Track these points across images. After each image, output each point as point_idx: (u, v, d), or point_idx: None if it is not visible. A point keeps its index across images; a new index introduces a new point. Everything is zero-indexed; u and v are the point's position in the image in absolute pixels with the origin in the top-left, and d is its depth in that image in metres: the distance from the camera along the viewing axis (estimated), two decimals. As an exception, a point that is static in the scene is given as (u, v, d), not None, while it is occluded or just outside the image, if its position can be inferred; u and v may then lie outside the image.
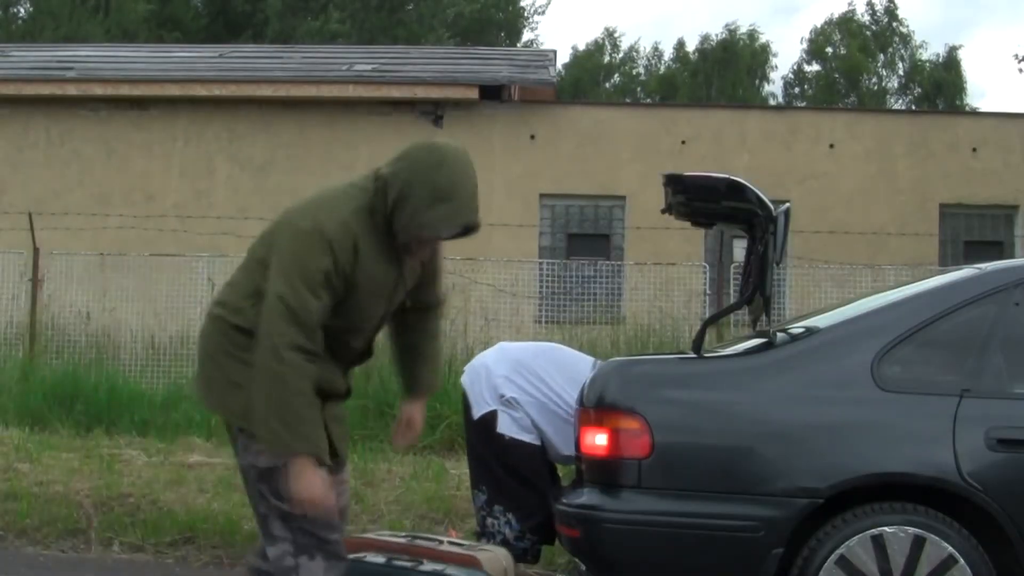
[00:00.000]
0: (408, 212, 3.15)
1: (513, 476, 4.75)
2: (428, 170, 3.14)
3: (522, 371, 4.85)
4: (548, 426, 4.76)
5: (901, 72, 45.20)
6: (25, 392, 9.03)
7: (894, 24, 45.60)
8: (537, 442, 4.76)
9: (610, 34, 48.84)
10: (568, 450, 4.64)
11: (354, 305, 3.22)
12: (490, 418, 4.77)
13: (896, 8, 45.35)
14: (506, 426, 4.75)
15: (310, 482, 3.09)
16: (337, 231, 3.12)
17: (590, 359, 4.91)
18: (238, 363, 3.18)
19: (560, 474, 5.09)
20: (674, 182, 4.38)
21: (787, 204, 4.42)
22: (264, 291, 3.13)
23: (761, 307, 4.43)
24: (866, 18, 45.80)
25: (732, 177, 4.28)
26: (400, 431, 3.58)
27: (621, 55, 48.88)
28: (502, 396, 4.78)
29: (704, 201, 4.43)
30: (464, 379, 4.97)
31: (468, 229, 3.25)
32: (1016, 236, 15.59)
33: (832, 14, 52.06)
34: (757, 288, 4.30)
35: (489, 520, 4.77)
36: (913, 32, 48.94)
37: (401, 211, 3.15)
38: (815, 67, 46.06)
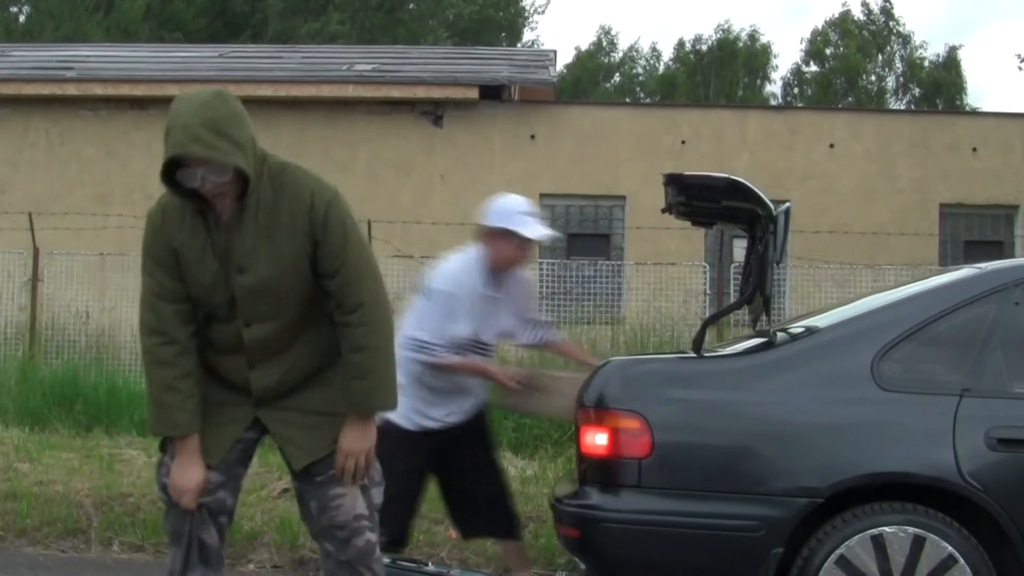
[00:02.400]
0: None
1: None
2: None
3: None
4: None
5: (900, 72, 45.23)
6: (25, 392, 9.03)
7: (891, 24, 45.64)
8: (403, 422, 4.44)
9: (606, 32, 48.87)
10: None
11: (191, 282, 3.21)
12: None
13: (892, 7, 45.40)
14: None
15: (182, 471, 3.25)
16: (152, 210, 3.24)
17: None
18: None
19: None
20: (674, 182, 4.38)
21: (787, 204, 4.42)
22: None
23: (761, 307, 4.43)
24: (863, 18, 45.85)
25: (732, 177, 4.28)
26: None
27: (620, 55, 48.94)
28: None
29: (704, 201, 4.43)
30: None
31: (186, 157, 3.00)
32: (1016, 236, 15.59)
33: (832, 14, 52.03)
34: (757, 288, 4.30)
35: None
36: (913, 32, 49.00)
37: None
38: (814, 68, 46.11)
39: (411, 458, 4.54)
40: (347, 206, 3.22)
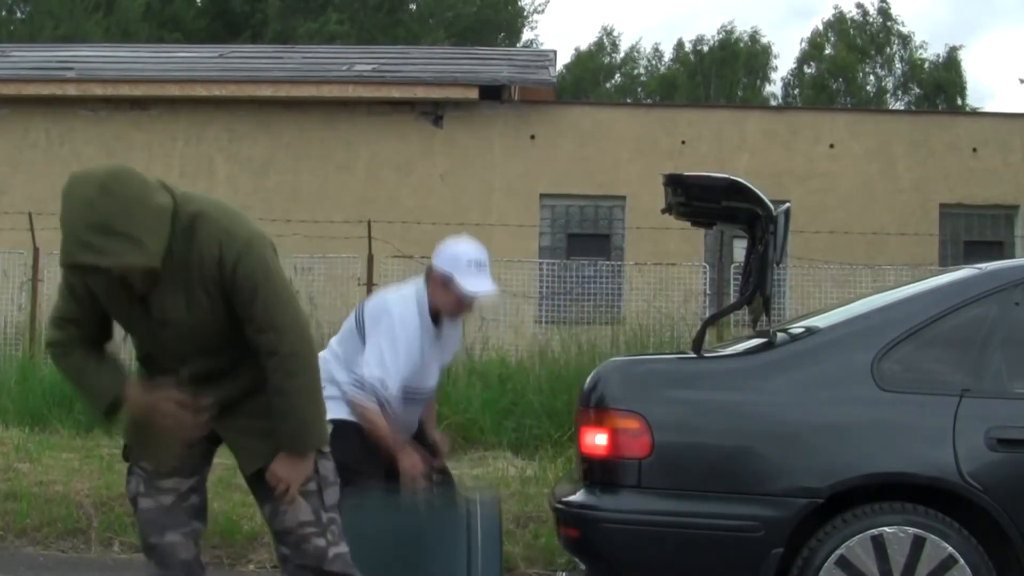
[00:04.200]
0: None
1: (346, 471, 4.02)
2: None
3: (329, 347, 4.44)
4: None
5: (899, 72, 45.26)
6: (25, 392, 9.03)
7: (888, 24, 45.68)
8: (349, 415, 4.25)
9: (608, 33, 48.90)
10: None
11: (119, 322, 3.23)
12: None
13: (889, 7, 45.46)
14: (331, 411, 4.08)
15: (139, 402, 3.21)
16: None
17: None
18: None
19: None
20: (674, 182, 4.38)
21: (787, 204, 4.42)
22: None
23: (761, 307, 4.43)
24: (860, 19, 45.91)
25: (732, 177, 4.28)
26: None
27: (622, 55, 48.97)
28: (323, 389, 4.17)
29: (704, 201, 4.43)
30: None
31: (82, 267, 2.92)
32: (1016, 236, 15.59)
33: (828, 16, 52.10)
34: (757, 288, 4.30)
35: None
36: (913, 32, 49.06)
37: None
38: (813, 69, 46.16)
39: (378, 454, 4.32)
40: (260, 253, 3.10)
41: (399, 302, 4.28)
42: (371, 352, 4.19)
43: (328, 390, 4.11)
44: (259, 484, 3.30)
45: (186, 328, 3.15)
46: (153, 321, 3.16)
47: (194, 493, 3.34)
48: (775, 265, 4.20)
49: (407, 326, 4.20)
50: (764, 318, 4.50)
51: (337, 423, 4.23)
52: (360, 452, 4.23)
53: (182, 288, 3.09)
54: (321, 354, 4.15)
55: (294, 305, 3.18)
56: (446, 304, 4.27)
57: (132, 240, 2.89)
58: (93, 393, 3.25)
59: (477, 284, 4.22)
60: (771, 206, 4.18)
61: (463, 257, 4.24)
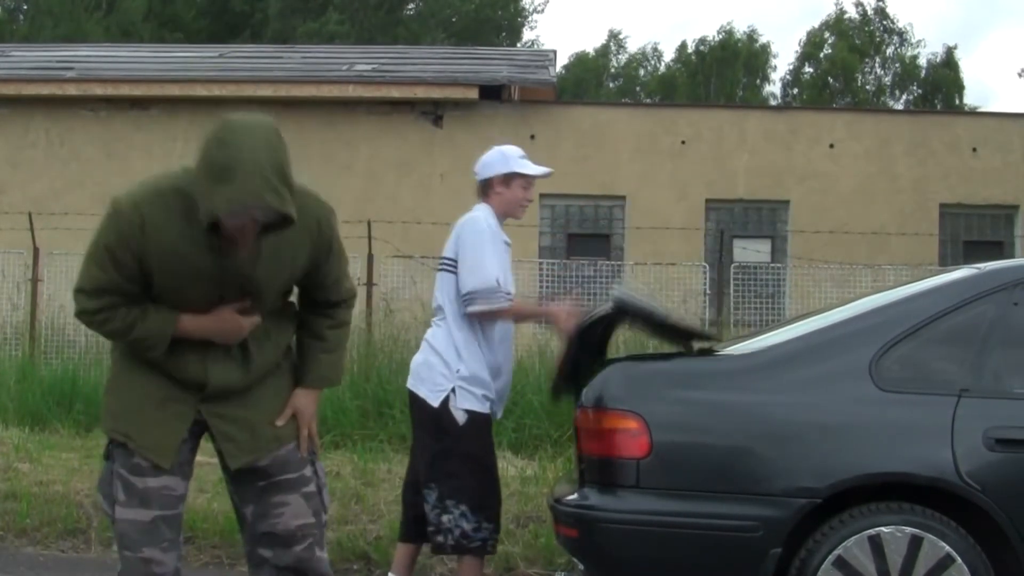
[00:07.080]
0: (199, 193, 2.90)
1: (465, 464, 4.40)
2: (210, 148, 2.87)
3: (450, 322, 4.55)
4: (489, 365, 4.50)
5: (898, 71, 45.28)
6: (25, 392, 9.03)
7: (885, 23, 45.71)
8: (486, 409, 4.46)
9: (615, 36, 49.00)
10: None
11: (165, 288, 3.07)
12: (446, 402, 4.41)
13: (885, 6, 45.51)
14: (462, 400, 4.40)
15: (219, 324, 3.12)
16: (126, 208, 3.04)
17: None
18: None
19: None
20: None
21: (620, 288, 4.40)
22: None
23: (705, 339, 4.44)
24: (858, 18, 45.94)
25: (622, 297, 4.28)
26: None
27: (627, 58, 49.06)
28: (457, 371, 4.43)
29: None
30: (410, 381, 4.58)
31: (264, 212, 2.87)
32: (1016, 236, 15.60)
33: (828, 15, 52.13)
34: (687, 336, 4.28)
35: (444, 517, 4.40)
36: (912, 25, 49.05)
37: (197, 193, 2.92)
38: (812, 69, 46.21)
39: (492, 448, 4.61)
40: (336, 219, 3.27)
41: (473, 219, 4.57)
42: (465, 265, 4.46)
43: (472, 372, 4.42)
44: (245, 484, 3.25)
45: (261, 285, 3.12)
46: (227, 279, 3.06)
47: (181, 502, 3.23)
48: (665, 317, 4.22)
49: (491, 227, 4.53)
50: (696, 343, 4.41)
51: (473, 414, 4.44)
52: (489, 446, 4.51)
53: (272, 259, 3.09)
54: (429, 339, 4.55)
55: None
56: (513, 200, 4.65)
57: (290, 189, 2.89)
58: (152, 334, 3.09)
59: (536, 167, 4.69)
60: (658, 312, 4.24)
61: (510, 153, 4.68)
